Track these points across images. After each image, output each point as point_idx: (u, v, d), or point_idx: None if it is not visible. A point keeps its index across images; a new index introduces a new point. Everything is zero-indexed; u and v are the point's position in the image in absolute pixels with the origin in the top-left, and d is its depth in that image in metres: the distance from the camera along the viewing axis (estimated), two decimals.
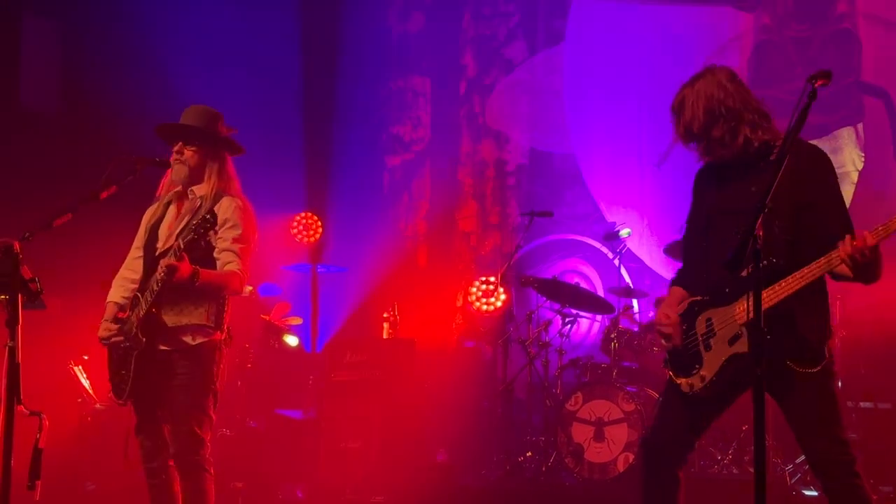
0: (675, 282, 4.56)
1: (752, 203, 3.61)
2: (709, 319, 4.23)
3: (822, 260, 3.94)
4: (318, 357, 9.03)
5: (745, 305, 4.05)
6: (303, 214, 10.95)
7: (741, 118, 4.17)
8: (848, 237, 3.87)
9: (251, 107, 9.69)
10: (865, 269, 3.89)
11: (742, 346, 4.08)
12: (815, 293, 4.13)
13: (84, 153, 8.96)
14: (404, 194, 11.72)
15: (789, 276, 3.99)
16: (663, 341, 4.40)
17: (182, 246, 4.90)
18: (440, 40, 11.52)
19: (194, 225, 4.93)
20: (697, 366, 4.23)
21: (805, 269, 3.98)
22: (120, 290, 5.39)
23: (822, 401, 4.11)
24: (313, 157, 10.73)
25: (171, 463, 5.21)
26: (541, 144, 11.27)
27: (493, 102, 11.53)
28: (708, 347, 4.21)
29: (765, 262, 3.79)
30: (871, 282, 4.01)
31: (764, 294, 3.92)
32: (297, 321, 9.00)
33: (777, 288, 4.00)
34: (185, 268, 4.90)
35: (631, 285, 9.18)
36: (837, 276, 4.06)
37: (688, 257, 4.57)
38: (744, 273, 3.88)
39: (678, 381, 4.29)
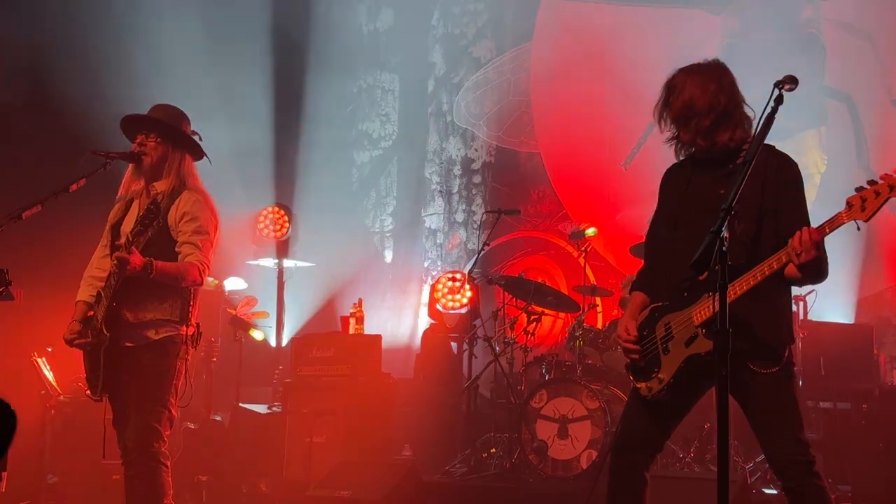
0: (637, 286, 4.54)
1: (719, 205, 3.64)
2: (668, 324, 4.25)
3: (773, 258, 3.96)
4: (284, 352, 9.02)
5: (701, 307, 4.10)
6: (270, 209, 10.94)
7: (732, 116, 4.19)
8: (801, 231, 3.89)
9: (221, 102, 9.68)
10: (810, 266, 3.90)
11: (698, 347, 4.10)
12: (776, 295, 4.16)
13: (51, 146, 8.92)
14: (372, 190, 11.74)
15: (743, 275, 4.01)
16: (623, 352, 4.42)
17: (131, 239, 4.92)
18: (409, 38, 11.55)
19: (140, 217, 4.97)
20: (656, 369, 4.24)
21: (756, 269, 3.99)
22: (88, 289, 5.39)
23: (782, 401, 4.14)
24: (282, 152, 10.71)
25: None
26: (507, 143, 11.33)
27: (461, 100, 11.58)
28: (666, 351, 4.22)
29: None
30: (817, 281, 4.06)
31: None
32: (263, 315, 9.00)
33: (731, 288, 4.00)
34: (136, 259, 4.91)
35: (596, 284, 9.24)
36: (786, 280, 4.09)
37: (652, 258, 4.55)
38: (701, 277, 3.94)
39: (638, 386, 4.31)
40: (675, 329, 4.21)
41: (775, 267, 3.96)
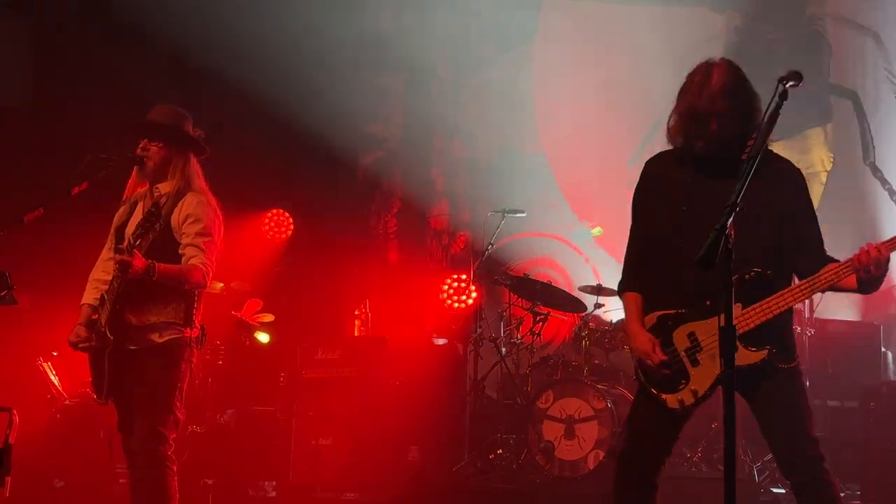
0: (628, 286, 4.44)
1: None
2: (691, 334, 4.16)
3: (832, 269, 4.01)
4: (290, 354, 9.00)
5: (738, 317, 4.00)
6: (274, 211, 10.93)
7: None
8: (869, 246, 3.94)
9: (223, 103, 9.67)
10: (877, 280, 3.98)
11: (739, 360, 3.93)
12: None
13: (56, 149, 8.91)
14: (376, 192, 11.72)
15: (797, 287, 4.06)
16: (642, 361, 4.24)
17: (133, 242, 4.91)
18: (413, 39, 11.52)
19: (141, 220, 4.96)
20: (684, 381, 4.15)
21: (810, 281, 4.03)
22: (93, 291, 5.37)
23: (795, 397, 4.14)
24: (286, 154, 10.70)
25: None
26: (511, 143, 11.30)
27: (464, 101, 11.55)
28: (695, 363, 4.14)
29: (754, 272, 3.96)
30: (872, 292, 4.09)
31: (767, 304, 4.03)
32: (268, 318, 8.98)
33: (780, 299, 4.04)
34: (138, 262, 4.89)
35: (602, 283, 9.21)
36: (835, 288, 4.10)
37: (639, 255, 4.47)
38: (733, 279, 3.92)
39: (664, 398, 4.17)
40: (704, 340, 4.14)
41: (833, 280, 4.01)
